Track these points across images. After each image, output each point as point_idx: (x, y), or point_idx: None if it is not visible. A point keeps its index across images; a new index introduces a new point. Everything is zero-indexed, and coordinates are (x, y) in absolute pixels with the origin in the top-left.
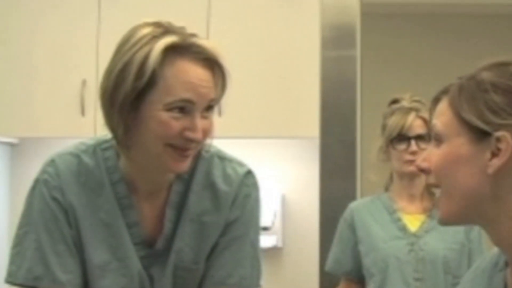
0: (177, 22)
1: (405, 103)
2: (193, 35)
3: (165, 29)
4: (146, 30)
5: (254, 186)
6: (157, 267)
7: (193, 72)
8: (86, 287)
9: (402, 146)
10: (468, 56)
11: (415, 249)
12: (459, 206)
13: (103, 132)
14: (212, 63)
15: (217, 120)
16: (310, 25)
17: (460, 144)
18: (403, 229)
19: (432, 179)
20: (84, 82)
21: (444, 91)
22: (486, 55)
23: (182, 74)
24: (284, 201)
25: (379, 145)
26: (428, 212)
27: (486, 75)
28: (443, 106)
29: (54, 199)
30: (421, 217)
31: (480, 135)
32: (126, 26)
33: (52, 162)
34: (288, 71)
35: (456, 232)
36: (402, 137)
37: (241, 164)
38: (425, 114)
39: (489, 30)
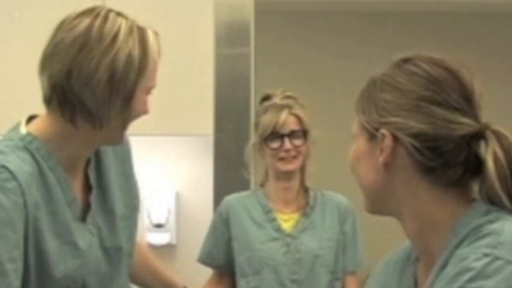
0: None
1: (277, 100)
2: None
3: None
4: (120, 22)
5: None
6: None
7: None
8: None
9: (276, 144)
10: (360, 53)
11: (291, 250)
12: (369, 200)
13: None
14: None
15: None
16: (203, 22)
17: (360, 143)
18: (278, 229)
19: None
20: None
21: None
22: (377, 52)
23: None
24: (178, 198)
25: (253, 142)
26: (302, 210)
27: (382, 74)
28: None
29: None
30: (296, 216)
31: (372, 133)
32: (21, 19)
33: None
34: (181, 69)
35: (331, 229)
36: (275, 135)
37: None
38: (298, 111)
39: (379, 27)
